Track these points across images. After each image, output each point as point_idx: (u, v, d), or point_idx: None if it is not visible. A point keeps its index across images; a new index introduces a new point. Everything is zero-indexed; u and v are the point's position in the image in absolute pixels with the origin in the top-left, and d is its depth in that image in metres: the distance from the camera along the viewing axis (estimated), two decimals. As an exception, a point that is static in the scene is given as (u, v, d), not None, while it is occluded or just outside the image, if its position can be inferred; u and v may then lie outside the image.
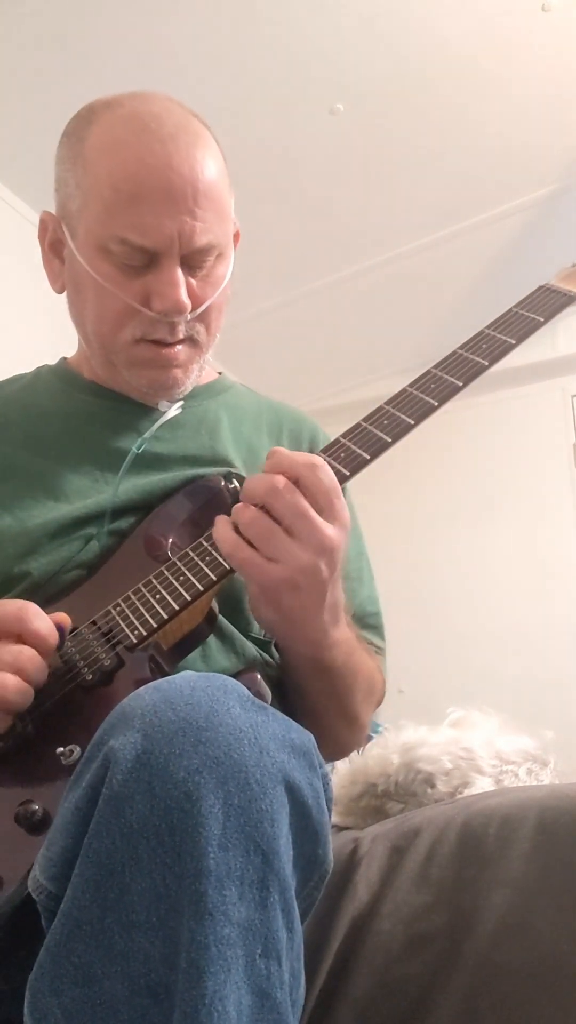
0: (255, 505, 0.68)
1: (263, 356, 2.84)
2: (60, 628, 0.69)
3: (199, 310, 0.84)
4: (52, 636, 0.67)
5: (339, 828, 1.21)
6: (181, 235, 0.79)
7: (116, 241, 0.79)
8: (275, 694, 0.89)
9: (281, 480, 0.67)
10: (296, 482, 0.68)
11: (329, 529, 0.67)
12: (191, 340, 0.86)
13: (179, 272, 0.81)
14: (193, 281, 0.83)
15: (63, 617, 0.70)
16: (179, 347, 0.85)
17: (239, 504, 0.70)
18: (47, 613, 0.77)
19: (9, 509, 0.84)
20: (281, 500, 0.67)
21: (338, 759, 1.01)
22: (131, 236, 0.79)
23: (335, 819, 1.24)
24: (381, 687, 0.93)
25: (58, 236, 0.88)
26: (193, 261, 0.82)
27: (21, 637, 0.67)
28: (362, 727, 0.89)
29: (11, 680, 0.64)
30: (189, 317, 0.83)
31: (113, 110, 0.83)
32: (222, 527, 0.70)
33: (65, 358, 1.02)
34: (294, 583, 0.67)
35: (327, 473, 0.69)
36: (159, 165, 0.78)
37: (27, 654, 0.65)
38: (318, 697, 0.82)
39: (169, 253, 0.80)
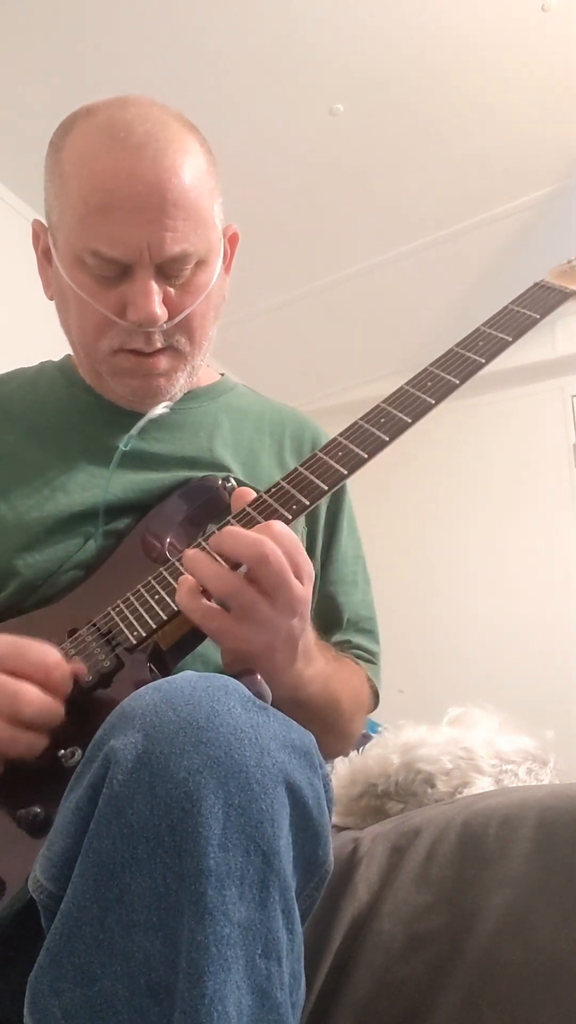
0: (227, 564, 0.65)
1: (263, 356, 2.84)
2: (76, 678, 0.67)
3: (176, 319, 0.83)
4: (67, 688, 0.66)
5: (339, 828, 1.20)
6: (151, 245, 0.78)
7: (89, 253, 0.79)
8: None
9: (270, 546, 0.64)
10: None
11: (300, 589, 0.66)
12: (172, 349, 0.85)
13: (152, 283, 0.80)
14: (171, 290, 0.82)
15: (81, 668, 0.68)
16: (159, 356, 0.85)
17: (208, 565, 0.65)
18: (45, 615, 0.77)
19: (6, 497, 0.84)
20: (269, 568, 0.63)
21: (343, 753, 1.02)
22: (102, 248, 0.78)
23: (335, 819, 1.24)
24: (369, 698, 0.94)
25: (48, 244, 0.88)
26: (169, 270, 0.81)
27: (41, 684, 0.65)
28: (352, 737, 0.90)
29: (2, 732, 0.62)
30: (165, 326, 0.82)
31: (89, 119, 0.82)
32: (188, 596, 0.65)
33: (69, 355, 1.02)
34: (272, 648, 0.67)
35: (286, 533, 0.66)
36: (125, 175, 0.77)
37: (30, 696, 0.63)
38: (302, 724, 0.82)
39: (141, 263, 0.79)
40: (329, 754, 0.92)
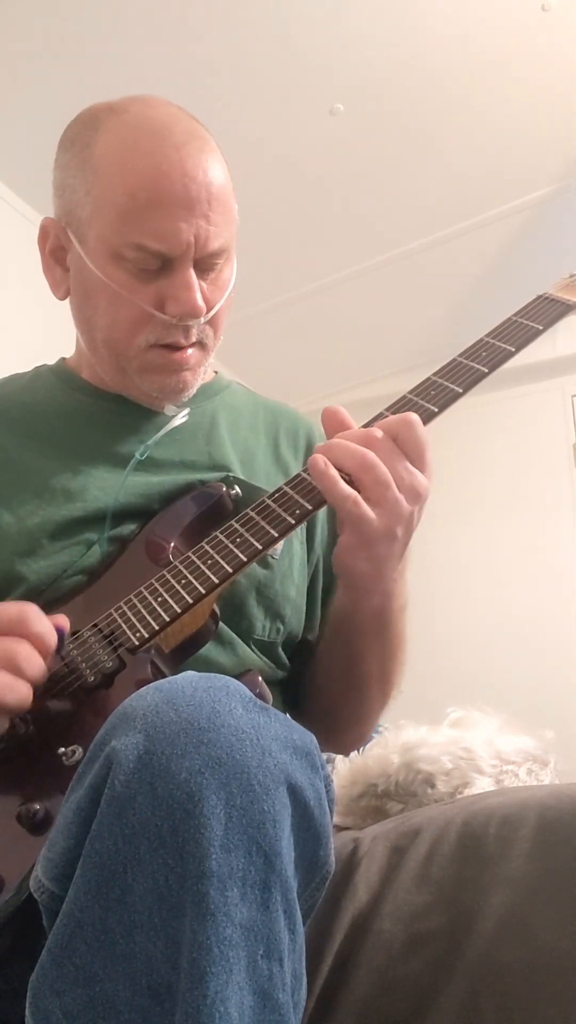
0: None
1: (263, 356, 2.84)
2: (60, 630, 0.69)
3: (211, 313, 0.84)
4: (52, 638, 0.67)
5: (339, 828, 1.21)
6: (197, 240, 0.80)
7: (132, 247, 0.80)
8: (281, 699, 0.90)
9: (378, 432, 0.70)
10: (394, 439, 0.71)
11: (422, 477, 0.70)
12: (200, 343, 0.87)
13: (194, 276, 0.82)
14: (204, 284, 0.83)
15: (63, 620, 0.70)
16: (190, 351, 0.86)
17: (340, 449, 0.70)
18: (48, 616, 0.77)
19: (8, 505, 0.84)
20: (383, 451, 0.69)
21: (366, 738, 1.02)
22: (148, 242, 0.79)
23: (335, 819, 1.24)
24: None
25: (60, 243, 0.88)
26: (205, 265, 0.83)
27: (23, 637, 0.66)
28: (389, 701, 0.92)
29: (4, 678, 0.63)
30: (202, 321, 0.84)
31: (119, 116, 0.83)
32: (323, 466, 0.69)
33: (64, 359, 1.02)
34: (394, 534, 0.70)
35: (422, 428, 0.72)
36: (174, 172, 0.79)
37: (23, 651, 0.65)
38: (371, 661, 0.84)
39: (184, 258, 0.81)
40: (372, 717, 0.92)
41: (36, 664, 0.65)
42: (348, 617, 0.83)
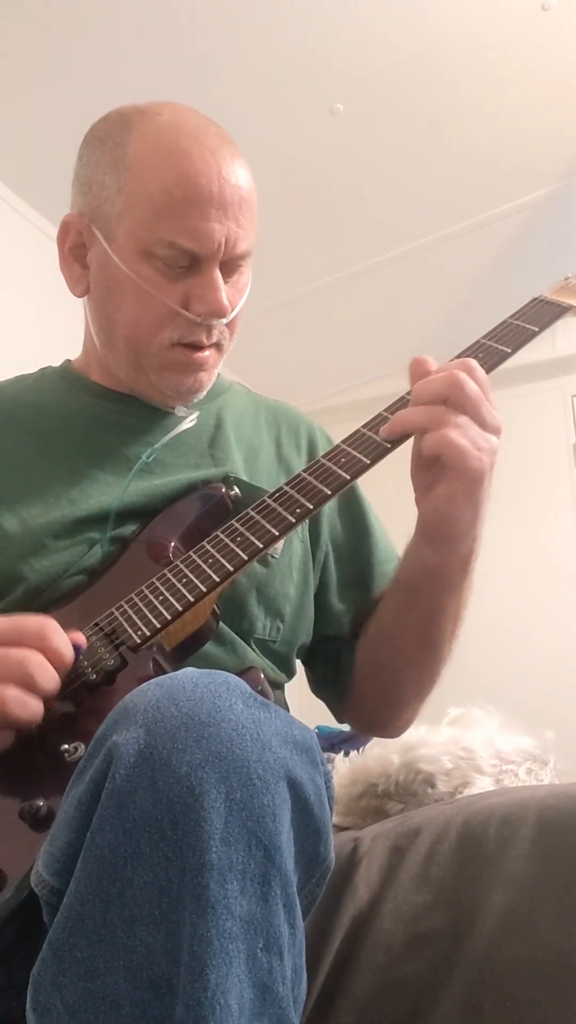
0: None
1: (263, 356, 2.83)
2: (77, 647, 0.68)
3: (232, 314, 0.85)
4: (68, 653, 0.66)
5: (339, 828, 1.21)
6: (227, 241, 0.81)
7: (164, 244, 0.80)
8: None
9: (459, 372, 0.72)
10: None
11: (495, 413, 0.73)
12: (217, 345, 0.87)
13: (220, 276, 0.83)
14: (226, 287, 0.84)
15: (80, 636, 0.69)
16: (208, 352, 0.87)
17: (425, 383, 0.72)
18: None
19: (11, 506, 0.84)
20: (467, 388, 0.71)
21: (417, 715, 1.00)
22: (181, 240, 0.80)
23: (335, 819, 1.24)
24: None
25: (81, 239, 0.88)
26: (230, 267, 0.84)
27: (41, 651, 0.65)
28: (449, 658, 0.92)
29: (12, 693, 0.62)
30: (224, 321, 0.84)
31: (152, 118, 0.84)
32: (441, 414, 0.70)
33: (69, 360, 1.01)
34: (488, 470, 0.73)
35: (481, 371, 0.74)
36: (212, 172, 0.80)
37: (38, 663, 0.64)
38: (449, 617, 0.85)
39: (213, 258, 0.82)
40: (437, 675, 0.91)
41: (50, 678, 0.64)
42: (434, 573, 0.82)
